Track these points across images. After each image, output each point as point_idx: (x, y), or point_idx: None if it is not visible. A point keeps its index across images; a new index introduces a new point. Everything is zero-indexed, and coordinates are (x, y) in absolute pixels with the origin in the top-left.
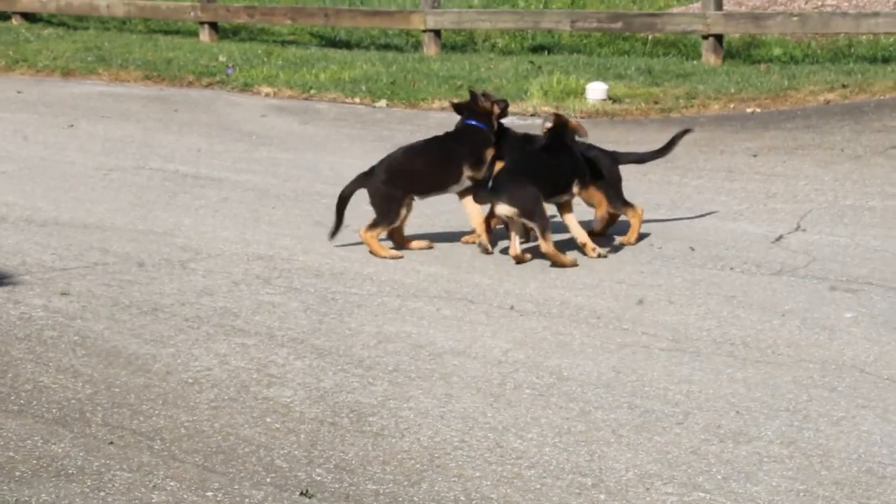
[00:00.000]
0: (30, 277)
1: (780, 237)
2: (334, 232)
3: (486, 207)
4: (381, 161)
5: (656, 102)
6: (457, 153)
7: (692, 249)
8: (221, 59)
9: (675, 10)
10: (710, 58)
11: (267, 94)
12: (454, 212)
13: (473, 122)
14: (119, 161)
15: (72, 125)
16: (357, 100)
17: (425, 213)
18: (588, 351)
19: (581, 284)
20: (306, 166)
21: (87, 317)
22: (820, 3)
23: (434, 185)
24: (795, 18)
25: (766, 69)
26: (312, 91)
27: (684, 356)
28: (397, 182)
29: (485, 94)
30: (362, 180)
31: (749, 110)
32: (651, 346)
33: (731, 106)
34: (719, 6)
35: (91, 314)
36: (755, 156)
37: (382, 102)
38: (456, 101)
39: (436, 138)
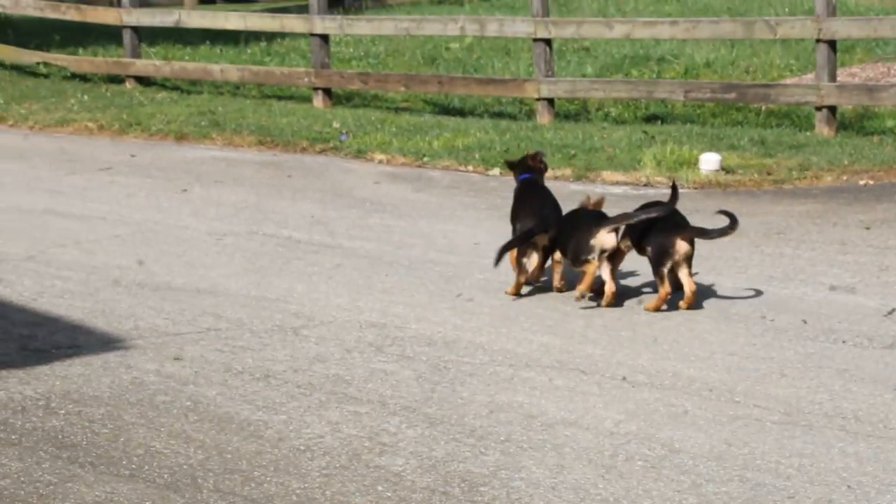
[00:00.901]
0: (142, 342)
1: (893, 310)
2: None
3: None
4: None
5: (769, 174)
6: None
7: (805, 322)
8: (335, 125)
9: (788, 80)
10: (823, 129)
11: (380, 161)
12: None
13: None
14: (232, 226)
15: (185, 189)
16: (470, 167)
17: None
18: (700, 423)
19: (693, 356)
20: (419, 234)
21: (199, 382)
22: None
23: None
24: None
25: (879, 141)
26: (426, 158)
27: (796, 430)
28: None
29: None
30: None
31: (862, 182)
32: (763, 419)
33: (844, 178)
34: (833, 77)
35: (203, 379)
36: (868, 228)
37: (496, 171)
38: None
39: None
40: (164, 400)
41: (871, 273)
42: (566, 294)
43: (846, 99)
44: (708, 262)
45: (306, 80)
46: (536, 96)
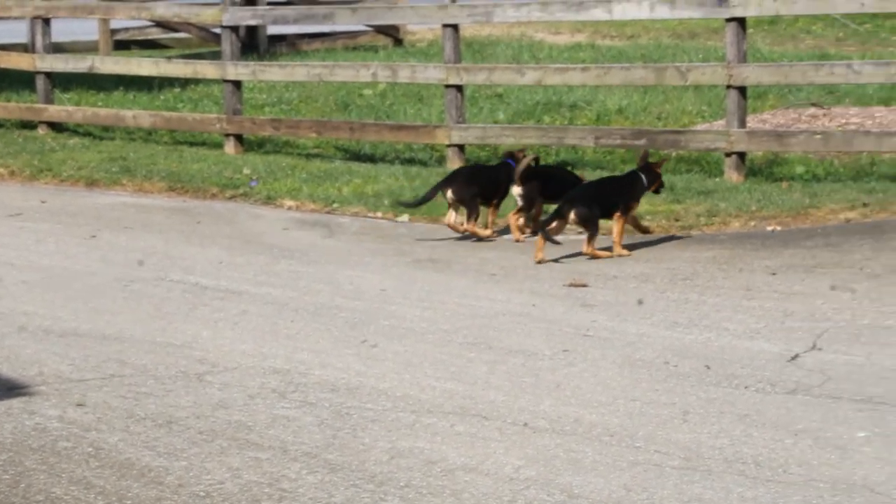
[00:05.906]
0: (46, 388)
1: (796, 356)
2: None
3: None
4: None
5: (677, 220)
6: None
7: (707, 368)
8: (246, 171)
9: (698, 127)
10: (732, 175)
11: (290, 207)
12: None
13: None
14: (140, 272)
15: (94, 235)
16: (380, 214)
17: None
18: (600, 468)
19: (595, 402)
20: (326, 280)
21: (101, 428)
22: (843, 122)
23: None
24: (818, 137)
25: (787, 187)
26: (335, 205)
27: (695, 474)
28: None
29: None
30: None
31: (769, 228)
32: (663, 464)
33: (752, 224)
34: (743, 123)
35: (106, 426)
36: (774, 274)
37: (405, 217)
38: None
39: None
40: (65, 446)
41: (775, 319)
42: (470, 339)
43: (756, 145)
44: (613, 308)
45: (218, 126)
46: (447, 142)
